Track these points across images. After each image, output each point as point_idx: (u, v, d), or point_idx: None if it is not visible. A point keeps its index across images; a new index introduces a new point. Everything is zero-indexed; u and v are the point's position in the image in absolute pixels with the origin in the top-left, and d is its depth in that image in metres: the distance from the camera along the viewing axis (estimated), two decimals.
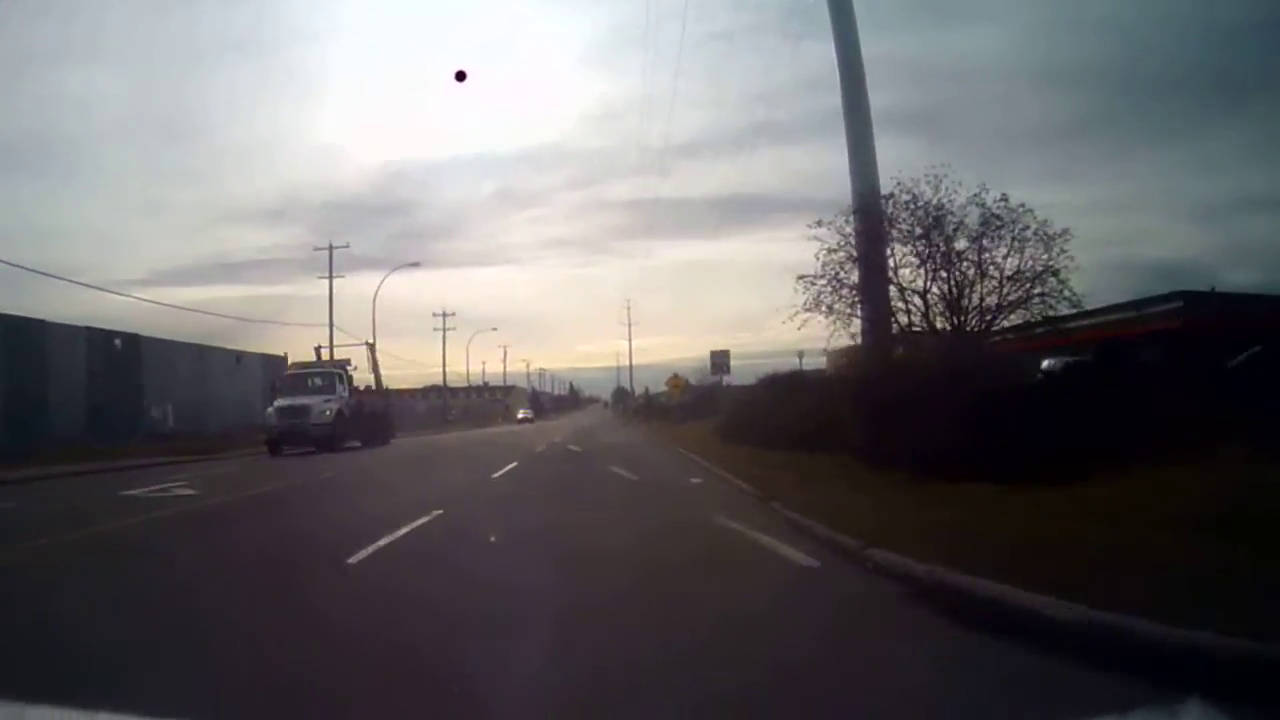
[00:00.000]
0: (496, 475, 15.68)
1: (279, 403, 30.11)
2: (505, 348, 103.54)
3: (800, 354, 33.88)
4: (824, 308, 14.22)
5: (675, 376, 48.27)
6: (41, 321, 32.11)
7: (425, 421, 72.67)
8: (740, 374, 64.95)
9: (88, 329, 35.03)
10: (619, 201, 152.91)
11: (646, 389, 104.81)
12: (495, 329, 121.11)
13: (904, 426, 9.79)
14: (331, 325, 49.46)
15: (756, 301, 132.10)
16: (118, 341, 36.80)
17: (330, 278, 50.51)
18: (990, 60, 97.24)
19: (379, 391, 40.99)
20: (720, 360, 46.15)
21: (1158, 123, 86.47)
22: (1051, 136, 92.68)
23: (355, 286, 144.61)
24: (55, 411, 31.19)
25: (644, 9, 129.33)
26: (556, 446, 26.80)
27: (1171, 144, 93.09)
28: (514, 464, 18.34)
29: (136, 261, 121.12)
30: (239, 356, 47.96)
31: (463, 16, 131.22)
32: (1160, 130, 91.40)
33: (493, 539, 8.13)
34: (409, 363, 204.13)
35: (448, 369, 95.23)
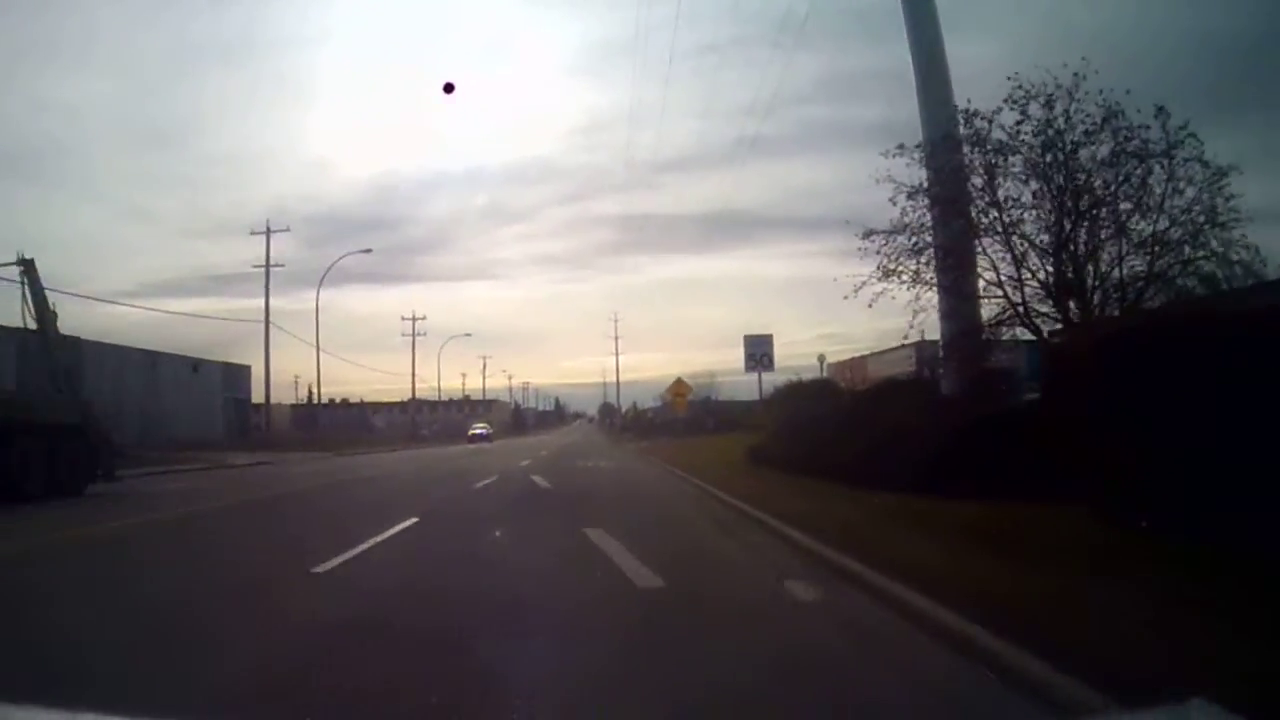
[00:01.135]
0: (321, 569, 6.81)
1: None
2: (485, 358, 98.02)
3: (821, 358, 30.27)
4: (903, 275, 11.27)
5: (679, 382, 37.58)
6: None
7: (389, 436, 68.71)
8: (731, 393, 61.13)
9: (19, 330, 31.28)
10: (605, 217, 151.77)
11: (634, 403, 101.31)
12: (469, 335, 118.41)
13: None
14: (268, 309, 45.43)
15: (744, 319, 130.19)
16: None
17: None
18: (982, 70, 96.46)
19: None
20: (759, 351, 31.25)
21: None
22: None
23: (341, 301, 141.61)
24: None
25: (632, 22, 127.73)
26: (514, 479, 17.62)
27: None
28: (406, 523, 9.60)
29: (124, 273, 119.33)
30: (196, 364, 44.17)
31: (450, 29, 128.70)
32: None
33: None
34: (386, 374, 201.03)
35: (430, 383, 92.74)
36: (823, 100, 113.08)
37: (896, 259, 11.21)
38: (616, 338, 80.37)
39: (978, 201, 10.93)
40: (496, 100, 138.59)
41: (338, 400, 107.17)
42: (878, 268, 11.38)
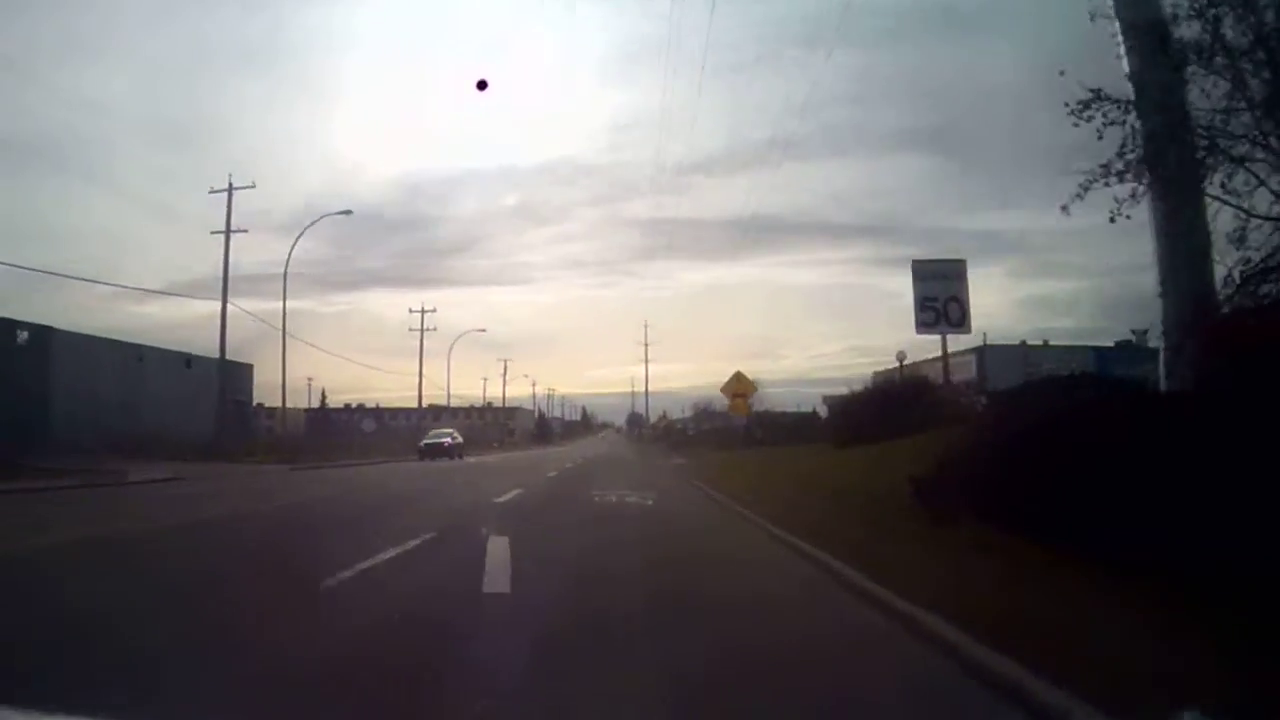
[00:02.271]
0: None
1: None
2: (505, 361, 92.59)
3: (901, 356, 25.22)
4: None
5: (739, 378, 28.85)
6: None
7: (384, 444, 63.46)
8: (759, 405, 57.70)
9: None
10: (634, 221, 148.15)
11: (665, 412, 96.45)
12: (484, 330, 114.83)
13: None
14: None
15: (769, 330, 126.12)
16: (22, 334, 29.64)
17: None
18: (1009, 78, 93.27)
19: None
20: (942, 295, 17.54)
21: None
22: (1071, 155, 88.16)
23: (367, 305, 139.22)
24: None
25: (664, 23, 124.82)
26: (439, 553, 8.10)
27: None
28: None
29: (152, 272, 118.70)
30: (189, 360, 40.60)
31: (478, 25, 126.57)
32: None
33: None
34: (391, 374, 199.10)
35: (455, 391, 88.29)
36: (849, 103, 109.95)
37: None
38: (646, 344, 75.81)
39: None
40: (525, 99, 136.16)
41: (354, 405, 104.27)
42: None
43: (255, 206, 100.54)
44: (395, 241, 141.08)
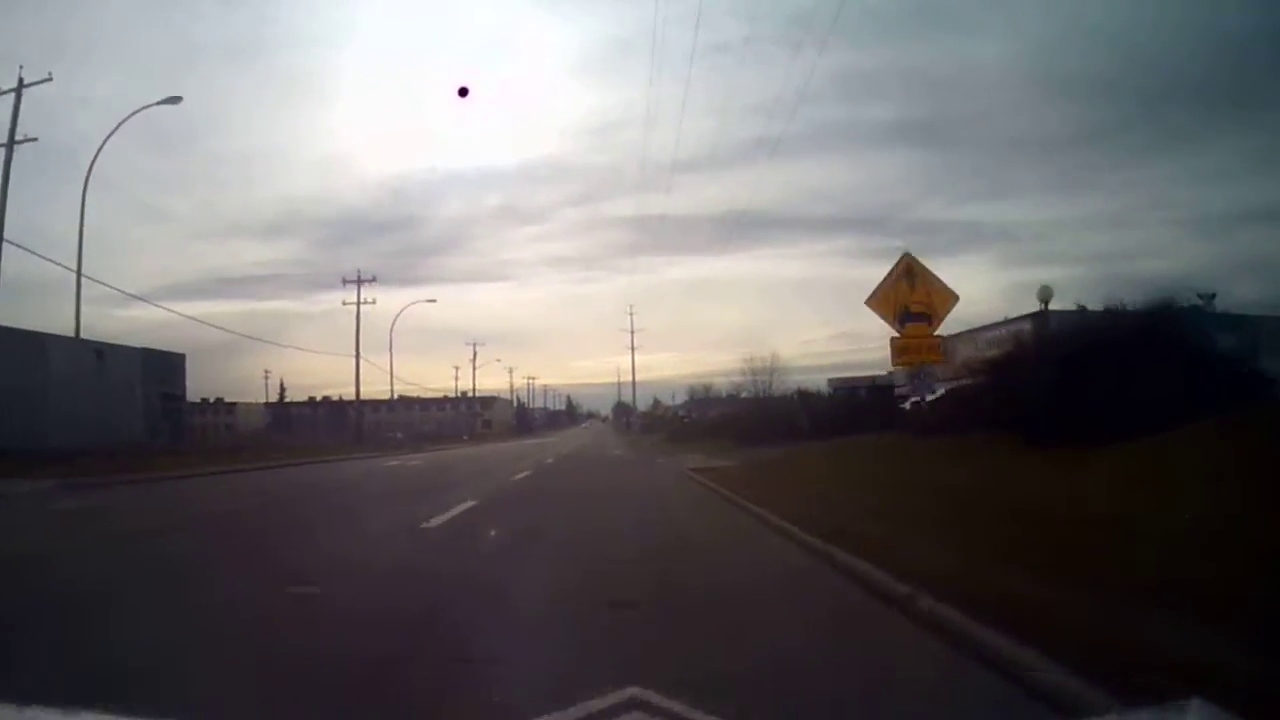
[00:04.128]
0: None
1: None
2: (474, 345, 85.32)
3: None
4: None
5: (914, 273, 13.13)
6: None
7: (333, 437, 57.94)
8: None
9: None
10: (619, 218, 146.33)
11: (655, 398, 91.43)
12: (433, 300, 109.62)
13: None
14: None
15: (756, 320, 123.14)
16: None
17: None
18: (997, 70, 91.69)
19: None
20: None
21: (1163, 132, 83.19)
22: (1058, 146, 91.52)
23: (351, 302, 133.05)
24: None
25: (645, 22, 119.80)
26: None
27: (1171, 154, 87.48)
28: None
29: (136, 275, 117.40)
30: (100, 351, 34.45)
31: (461, 27, 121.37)
32: (1167, 139, 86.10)
33: None
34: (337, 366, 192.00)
35: (438, 385, 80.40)
36: (835, 99, 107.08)
37: None
38: (633, 331, 70.88)
39: None
40: (507, 100, 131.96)
41: (318, 399, 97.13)
42: None
43: (240, 204, 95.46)
44: (380, 243, 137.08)
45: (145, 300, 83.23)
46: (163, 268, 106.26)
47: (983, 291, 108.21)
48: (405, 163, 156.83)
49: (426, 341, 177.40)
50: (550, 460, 27.98)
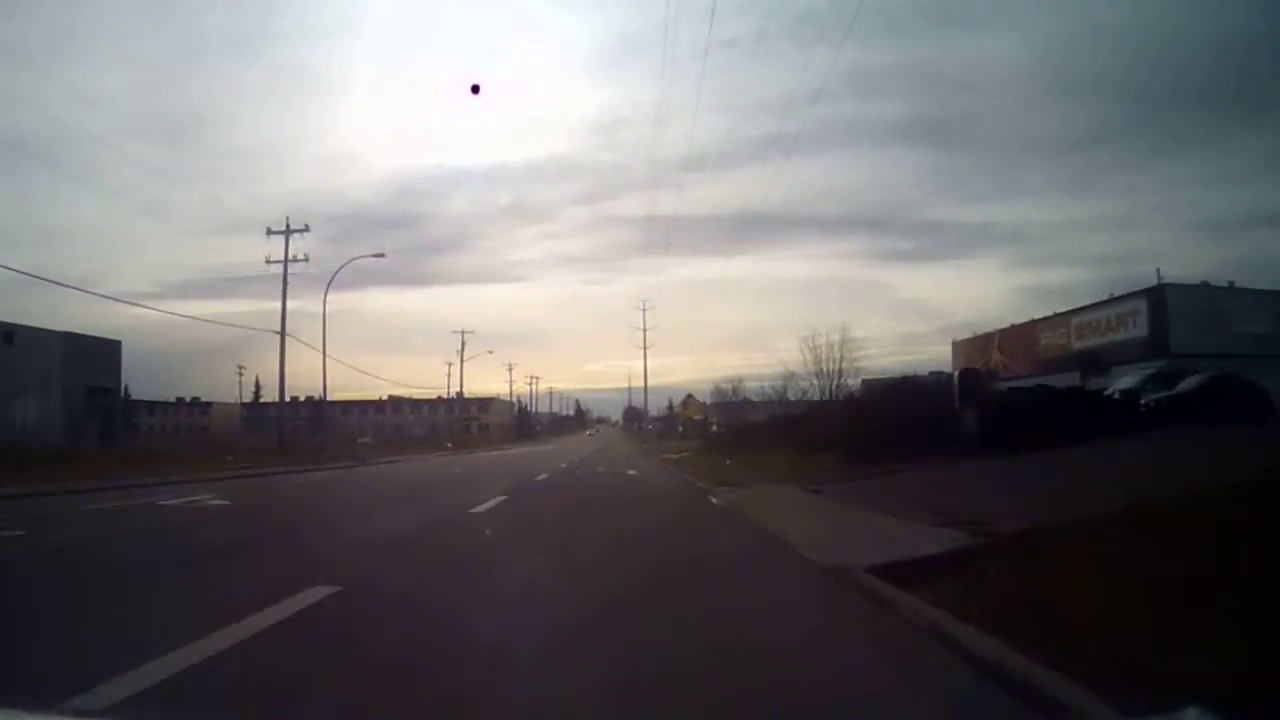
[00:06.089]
0: None
1: None
2: (462, 332, 75.22)
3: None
4: None
5: None
6: None
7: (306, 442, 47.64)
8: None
9: None
10: (629, 217, 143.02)
11: (670, 401, 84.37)
12: (381, 255, 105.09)
13: None
14: None
15: (765, 321, 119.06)
16: None
17: None
18: (1007, 71, 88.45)
19: None
20: None
21: (1171, 134, 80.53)
22: (1067, 147, 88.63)
23: (361, 303, 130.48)
24: None
25: (656, 20, 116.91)
26: None
27: (1179, 157, 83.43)
28: None
29: (141, 272, 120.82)
30: (9, 333, 30.00)
31: (470, 23, 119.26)
32: (1175, 141, 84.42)
33: None
34: (351, 369, 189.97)
35: (463, 387, 73.81)
36: (845, 98, 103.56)
37: None
38: (645, 329, 65.83)
39: None
40: (516, 97, 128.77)
41: (302, 398, 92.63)
42: None
43: (247, 199, 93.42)
44: (389, 239, 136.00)
45: (115, 299, 78.99)
46: (171, 263, 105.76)
47: (990, 292, 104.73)
48: (415, 159, 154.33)
49: (430, 342, 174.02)
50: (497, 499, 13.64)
